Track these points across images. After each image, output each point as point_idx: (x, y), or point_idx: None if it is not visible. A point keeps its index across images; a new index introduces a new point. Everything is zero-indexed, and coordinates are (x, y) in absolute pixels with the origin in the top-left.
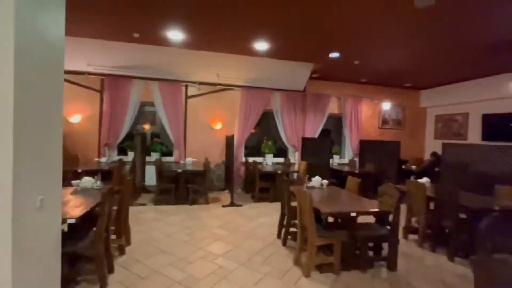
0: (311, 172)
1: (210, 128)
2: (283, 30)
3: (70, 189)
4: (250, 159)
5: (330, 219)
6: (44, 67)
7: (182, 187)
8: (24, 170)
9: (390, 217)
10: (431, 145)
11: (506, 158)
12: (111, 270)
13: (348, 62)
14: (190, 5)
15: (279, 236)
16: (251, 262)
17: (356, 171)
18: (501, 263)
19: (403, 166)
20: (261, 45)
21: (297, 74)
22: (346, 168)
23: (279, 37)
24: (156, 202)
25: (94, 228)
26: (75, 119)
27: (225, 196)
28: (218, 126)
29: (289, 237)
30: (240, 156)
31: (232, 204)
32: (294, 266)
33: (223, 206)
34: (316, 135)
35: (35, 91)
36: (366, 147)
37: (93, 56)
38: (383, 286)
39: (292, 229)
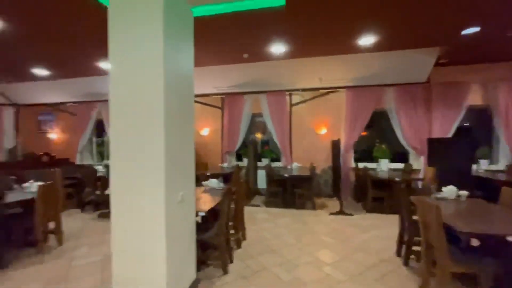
0: (443, 180)
1: (315, 134)
2: (392, 16)
3: (201, 189)
4: (361, 165)
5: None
6: (180, 94)
7: (289, 191)
8: (170, 172)
9: None
10: None
11: None
12: (231, 260)
13: (495, 36)
14: (289, 20)
15: (398, 253)
16: (363, 277)
17: None
18: None
19: None
20: (366, 40)
21: (415, 63)
22: (501, 176)
23: (388, 26)
24: (267, 203)
25: (218, 222)
26: (204, 132)
27: (333, 203)
28: (323, 131)
29: (412, 256)
30: (349, 161)
31: (341, 212)
32: None
33: (331, 213)
34: (449, 134)
35: (175, 113)
36: None
37: (215, 80)
38: None
39: (415, 248)
